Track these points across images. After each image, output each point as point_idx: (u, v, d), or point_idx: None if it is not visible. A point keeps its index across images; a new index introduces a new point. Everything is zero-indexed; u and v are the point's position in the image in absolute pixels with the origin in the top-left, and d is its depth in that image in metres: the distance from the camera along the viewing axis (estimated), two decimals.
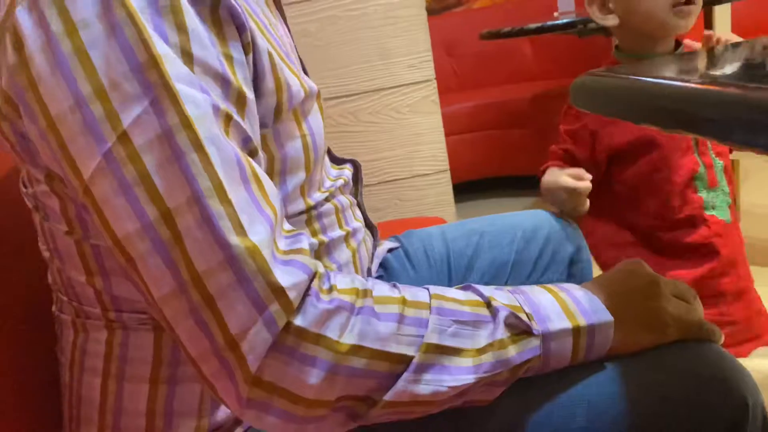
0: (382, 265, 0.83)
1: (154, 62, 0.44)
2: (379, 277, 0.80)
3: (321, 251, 0.63)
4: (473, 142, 2.78)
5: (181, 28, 0.45)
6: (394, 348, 0.49)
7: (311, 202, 0.62)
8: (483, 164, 2.80)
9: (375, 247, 0.77)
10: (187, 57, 0.45)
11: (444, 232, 0.88)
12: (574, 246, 0.86)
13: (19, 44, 0.46)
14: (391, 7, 1.29)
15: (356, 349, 0.47)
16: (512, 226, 0.86)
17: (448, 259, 0.84)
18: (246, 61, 0.50)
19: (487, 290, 0.55)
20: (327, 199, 0.64)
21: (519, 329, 0.52)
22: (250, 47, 0.50)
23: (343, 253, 0.66)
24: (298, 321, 0.46)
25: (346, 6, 1.29)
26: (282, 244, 0.48)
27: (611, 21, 1.08)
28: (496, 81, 3.15)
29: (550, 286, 0.57)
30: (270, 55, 0.53)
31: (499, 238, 0.85)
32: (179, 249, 0.44)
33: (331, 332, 0.47)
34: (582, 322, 0.53)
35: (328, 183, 0.67)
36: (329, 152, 0.74)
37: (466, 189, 2.65)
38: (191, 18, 0.46)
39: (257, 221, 0.46)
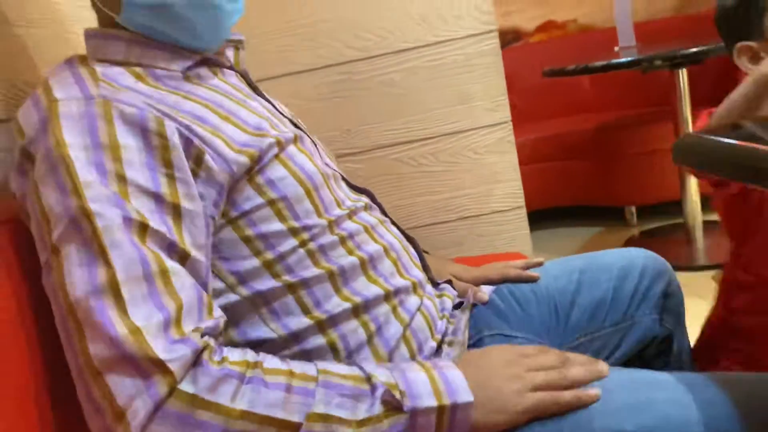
0: (489, 307, 0.88)
1: (76, 190, 0.56)
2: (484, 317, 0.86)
3: (366, 267, 0.72)
4: (533, 174, 2.81)
5: (117, 158, 0.58)
6: (282, 414, 0.55)
7: (331, 217, 0.71)
8: (545, 195, 2.84)
9: (421, 257, 0.85)
10: (121, 179, 0.58)
11: (546, 270, 0.93)
12: (665, 280, 0.91)
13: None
14: (468, 56, 1.38)
15: (246, 415, 0.54)
16: (608, 265, 0.91)
17: (553, 296, 0.89)
18: (190, 176, 0.61)
19: (369, 367, 0.62)
20: (349, 216, 0.74)
21: (392, 406, 0.59)
22: (202, 152, 0.62)
23: (387, 265, 0.75)
24: (189, 388, 0.53)
25: (426, 57, 1.38)
26: (188, 328, 0.55)
27: None
28: (556, 113, 3.19)
29: (428, 364, 0.64)
30: (224, 140, 0.65)
31: (598, 275, 0.90)
32: (78, 338, 0.54)
33: (223, 398, 0.54)
34: (447, 401, 0.60)
35: (348, 202, 0.76)
36: (346, 181, 0.83)
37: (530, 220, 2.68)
38: (129, 151, 0.59)
39: (147, 310, 0.54)
